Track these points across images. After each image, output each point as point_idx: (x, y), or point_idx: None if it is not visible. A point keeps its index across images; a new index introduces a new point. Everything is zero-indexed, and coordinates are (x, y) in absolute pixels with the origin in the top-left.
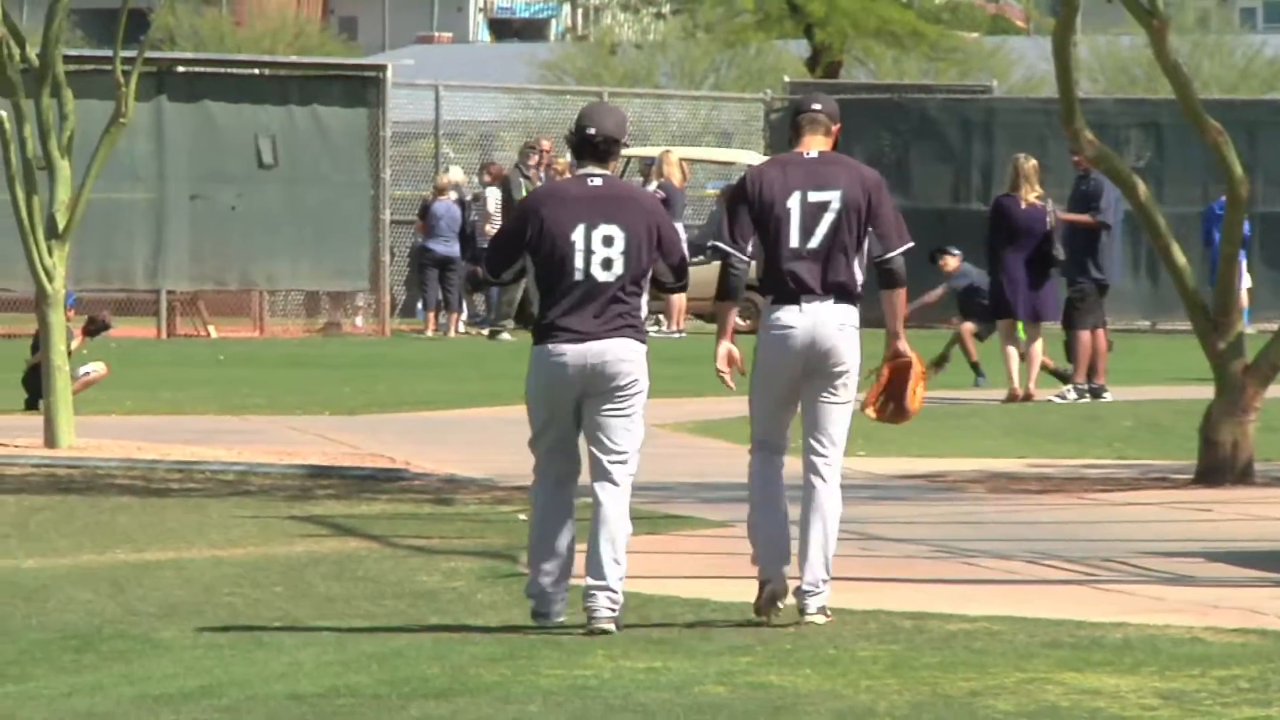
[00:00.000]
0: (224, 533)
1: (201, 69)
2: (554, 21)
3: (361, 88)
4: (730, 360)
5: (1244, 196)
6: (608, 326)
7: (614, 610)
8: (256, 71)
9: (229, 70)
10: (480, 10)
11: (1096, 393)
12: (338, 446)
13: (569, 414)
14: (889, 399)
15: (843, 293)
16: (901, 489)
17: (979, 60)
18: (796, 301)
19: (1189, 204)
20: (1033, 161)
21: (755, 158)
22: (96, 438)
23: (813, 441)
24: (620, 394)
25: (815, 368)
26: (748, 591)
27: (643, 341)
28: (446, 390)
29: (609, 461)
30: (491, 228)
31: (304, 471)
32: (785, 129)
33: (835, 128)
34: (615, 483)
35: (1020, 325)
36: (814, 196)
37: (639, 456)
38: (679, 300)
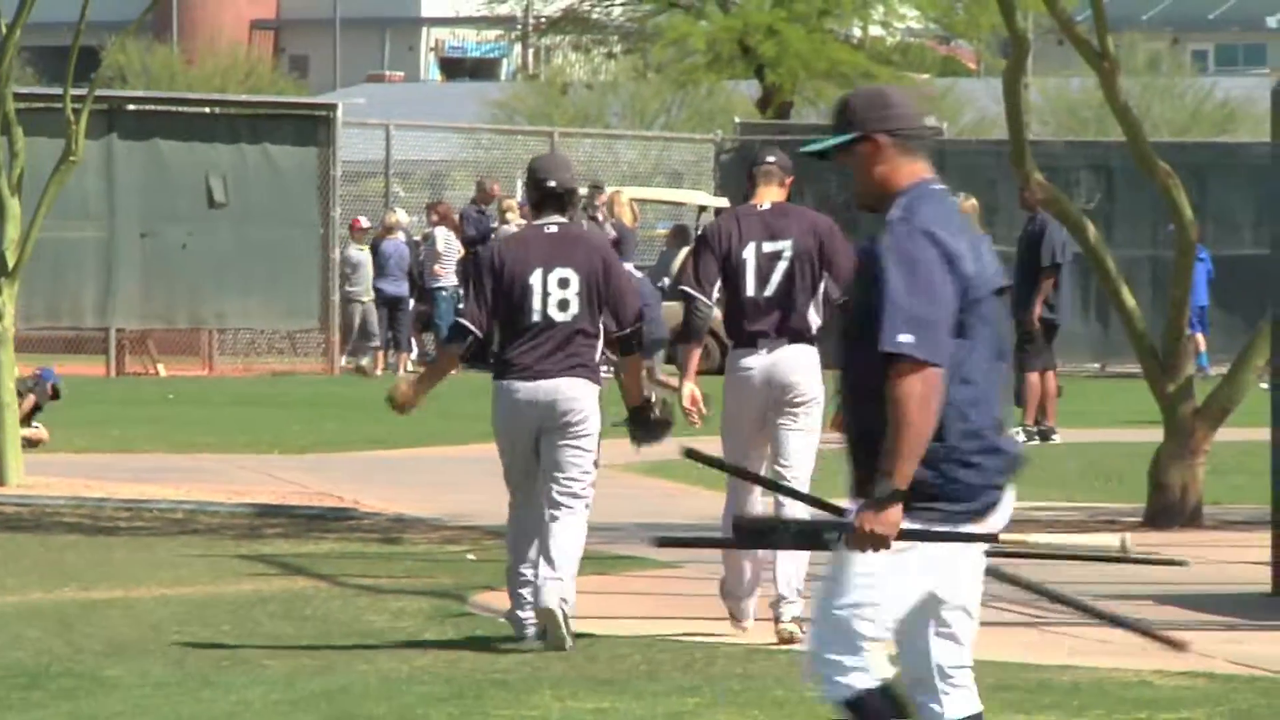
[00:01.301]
0: (172, 571)
1: (152, 107)
2: (505, 61)
3: (312, 127)
4: (694, 400)
5: (1194, 239)
6: (560, 366)
7: (565, 603)
8: (207, 110)
9: (180, 109)
10: (431, 50)
11: (1046, 435)
12: (286, 485)
13: (529, 448)
14: None
15: (798, 336)
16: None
17: (929, 102)
18: (755, 346)
19: (1139, 246)
20: (972, 201)
21: (705, 198)
22: (44, 475)
23: (778, 468)
24: (572, 430)
25: (776, 400)
26: (697, 629)
27: (595, 382)
28: (395, 429)
29: (558, 493)
30: (440, 268)
31: (252, 510)
32: (736, 169)
33: (788, 180)
34: (569, 507)
35: None
36: (768, 247)
37: (591, 491)
38: None
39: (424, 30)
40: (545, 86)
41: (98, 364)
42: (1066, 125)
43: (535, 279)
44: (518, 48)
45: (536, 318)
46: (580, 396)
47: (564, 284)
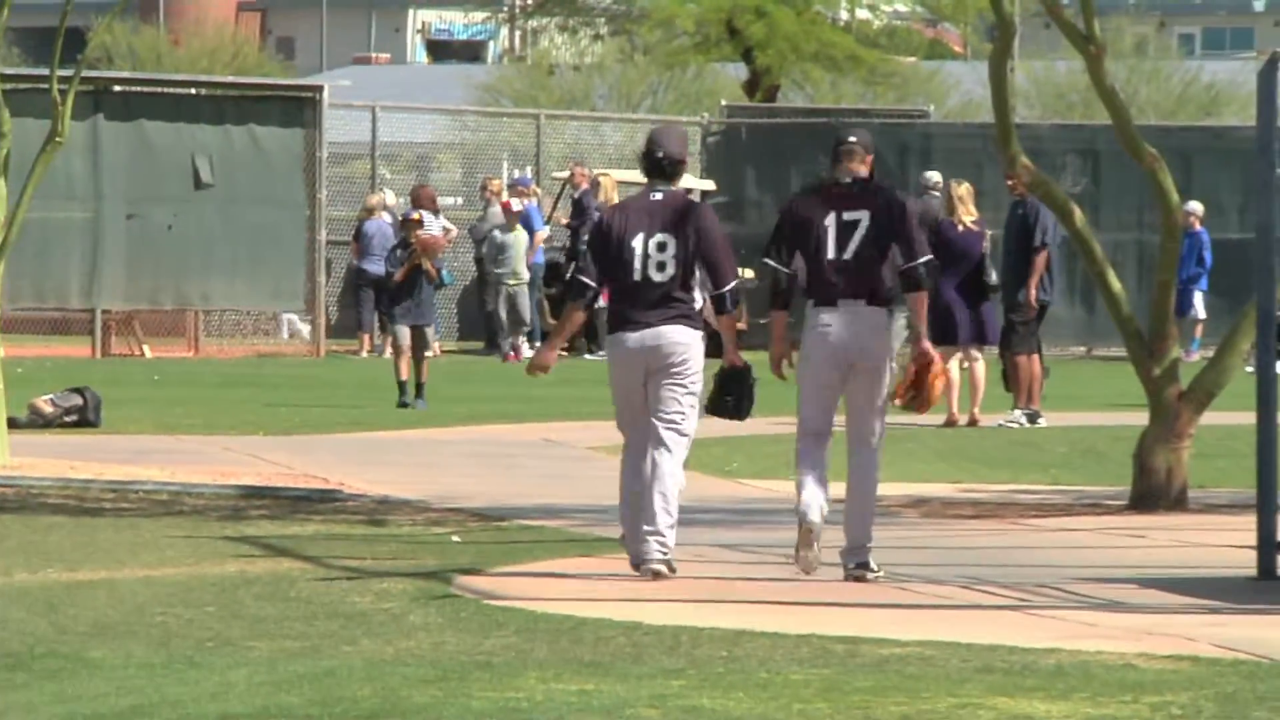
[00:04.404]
0: (157, 553)
1: (138, 88)
2: (491, 43)
3: (298, 108)
4: (781, 359)
5: (1180, 223)
6: (663, 316)
7: (665, 553)
8: (193, 91)
9: (166, 90)
10: (418, 32)
11: (1032, 418)
12: (272, 467)
13: (639, 391)
14: (912, 390)
15: (874, 296)
16: (834, 514)
17: (916, 85)
18: (835, 304)
19: (1125, 230)
20: (966, 185)
21: (692, 181)
22: (30, 456)
23: (857, 426)
24: (675, 371)
25: (850, 362)
26: (680, 614)
27: (696, 328)
28: (381, 411)
29: (663, 430)
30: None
31: (237, 492)
32: (722, 152)
33: (869, 157)
34: (669, 447)
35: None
36: (847, 215)
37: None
38: None
39: (410, 12)
40: (531, 69)
41: (83, 345)
42: (1053, 108)
43: (638, 243)
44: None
45: (637, 277)
46: (682, 340)
47: (662, 248)
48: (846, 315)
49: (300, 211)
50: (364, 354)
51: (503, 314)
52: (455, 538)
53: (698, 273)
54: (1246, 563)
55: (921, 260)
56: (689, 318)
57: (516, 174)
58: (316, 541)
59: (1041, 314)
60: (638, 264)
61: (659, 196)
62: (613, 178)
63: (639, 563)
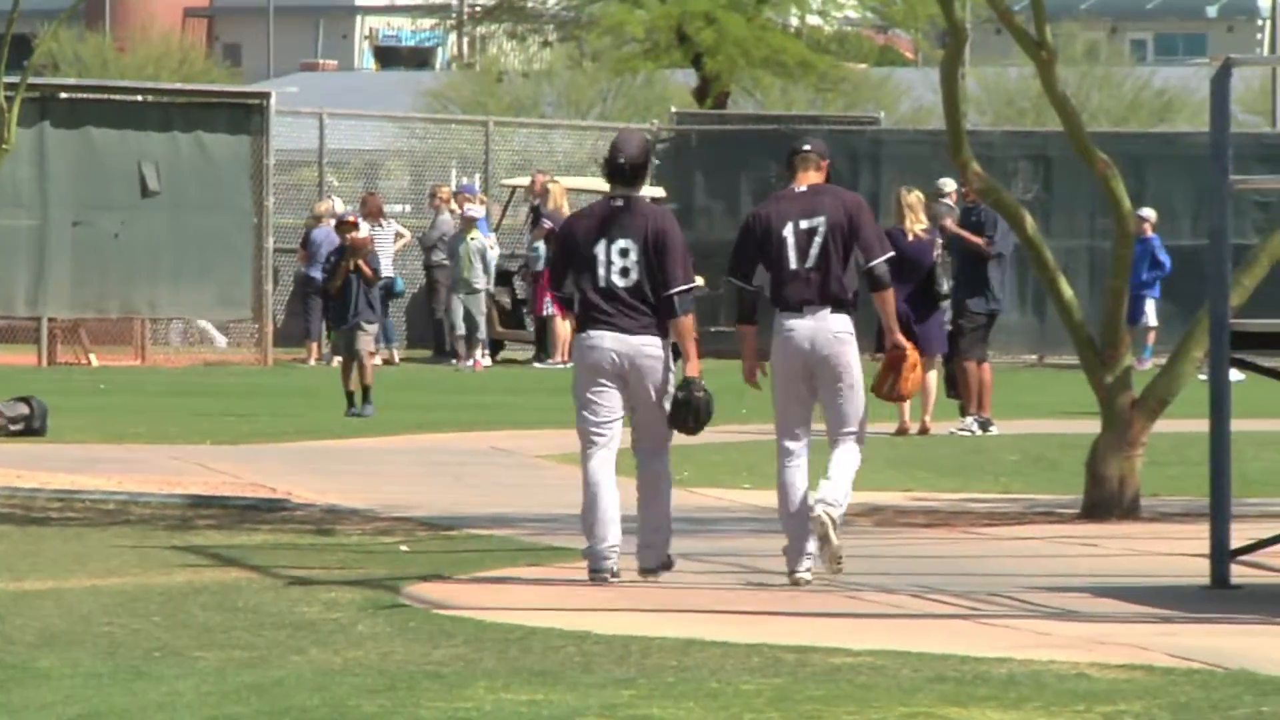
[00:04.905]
0: (103, 562)
1: (85, 95)
2: (440, 50)
3: (245, 115)
4: (753, 371)
5: (1132, 230)
6: (632, 324)
7: (659, 558)
8: (140, 98)
9: (112, 96)
10: (365, 38)
11: (983, 425)
12: (219, 476)
13: (608, 386)
14: (887, 382)
15: (837, 303)
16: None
17: (866, 91)
18: (801, 311)
19: (1077, 237)
20: (916, 193)
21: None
22: None
23: (837, 435)
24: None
25: (820, 363)
26: (630, 623)
27: (664, 336)
28: (329, 420)
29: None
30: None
31: (185, 501)
32: (672, 159)
33: (824, 163)
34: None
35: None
36: (804, 224)
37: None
38: (564, 331)
39: (358, 19)
40: (480, 76)
41: (29, 353)
42: (1004, 115)
43: (600, 249)
44: (453, 36)
45: (602, 284)
46: (651, 353)
47: (624, 253)
48: (811, 321)
49: (247, 219)
50: (311, 362)
51: (457, 322)
52: (404, 547)
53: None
54: (1200, 571)
55: (882, 258)
56: (657, 326)
57: (464, 181)
58: (264, 551)
59: (991, 321)
60: (601, 270)
61: (620, 203)
62: (561, 185)
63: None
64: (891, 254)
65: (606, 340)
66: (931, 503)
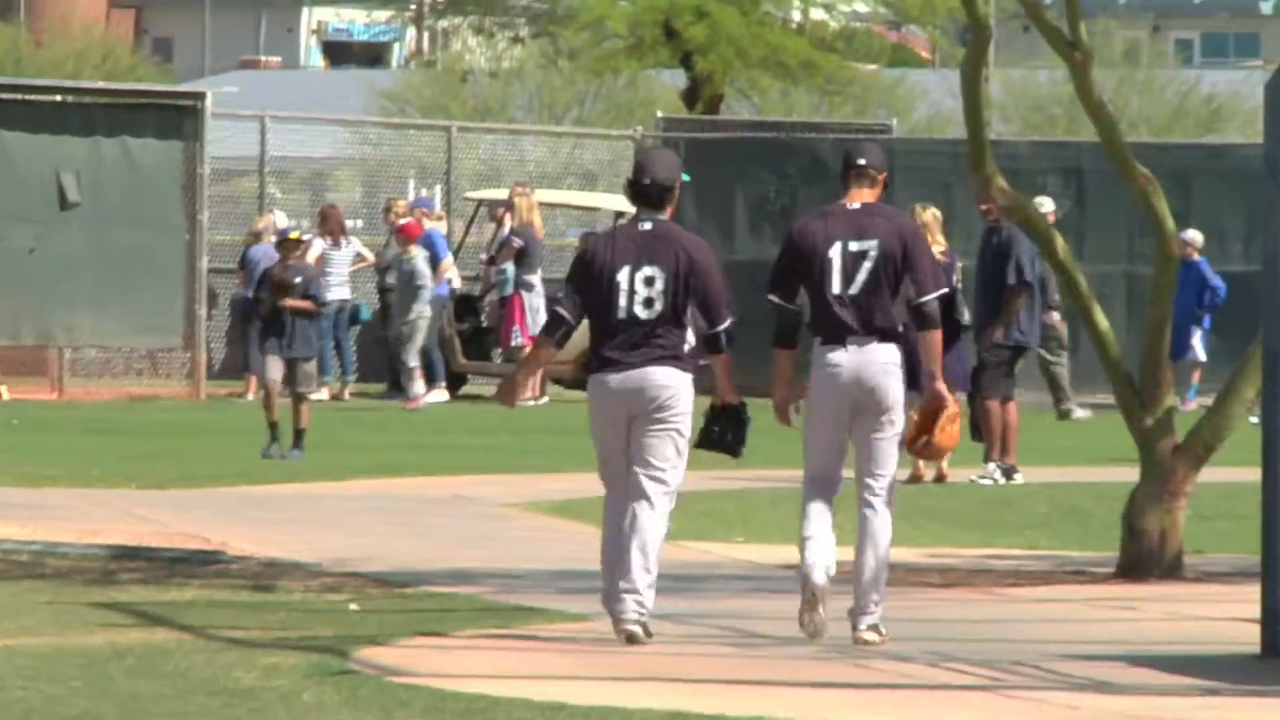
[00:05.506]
0: (16, 620)
1: None
2: (396, 46)
3: (177, 118)
4: (787, 402)
5: (1175, 254)
6: (648, 357)
7: (641, 613)
8: (59, 99)
9: (27, 97)
10: (313, 32)
11: (1007, 473)
12: (145, 524)
13: (621, 437)
14: (925, 436)
15: (885, 334)
16: (785, 580)
17: (877, 95)
18: (843, 342)
19: (1113, 261)
20: (933, 210)
21: (623, 202)
22: None
23: (867, 478)
24: (659, 417)
25: (862, 400)
26: (609, 693)
27: (686, 371)
28: (269, 462)
29: (645, 479)
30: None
31: (107, 552)
32: None
33: (881, 179)
34: (651, 499)
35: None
36: (854, 246)
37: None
38: None
39: (305, 10)
40: (442, 75)
41: None
42: (1032, 123)
43: (623, 277)
44: (411, 31)
45: (622, 315)
46: (668, 384)
47: (649, 282)
48: (856, 354)
49: (179, 235)
50: (250, 397)
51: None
52: (353, 606)
53: (689, 310)
54: (1249, 638)
55: (934, 295)
56: (677, 358)
57: (423, 194)
58: (196, 609)
59: (1017, 356)
60: (622, 300)
61: (648, 226)
62: (530, 198)
63: (614, 622)
64: (946, 290)
65: (614, 382)
66: (949, 560)
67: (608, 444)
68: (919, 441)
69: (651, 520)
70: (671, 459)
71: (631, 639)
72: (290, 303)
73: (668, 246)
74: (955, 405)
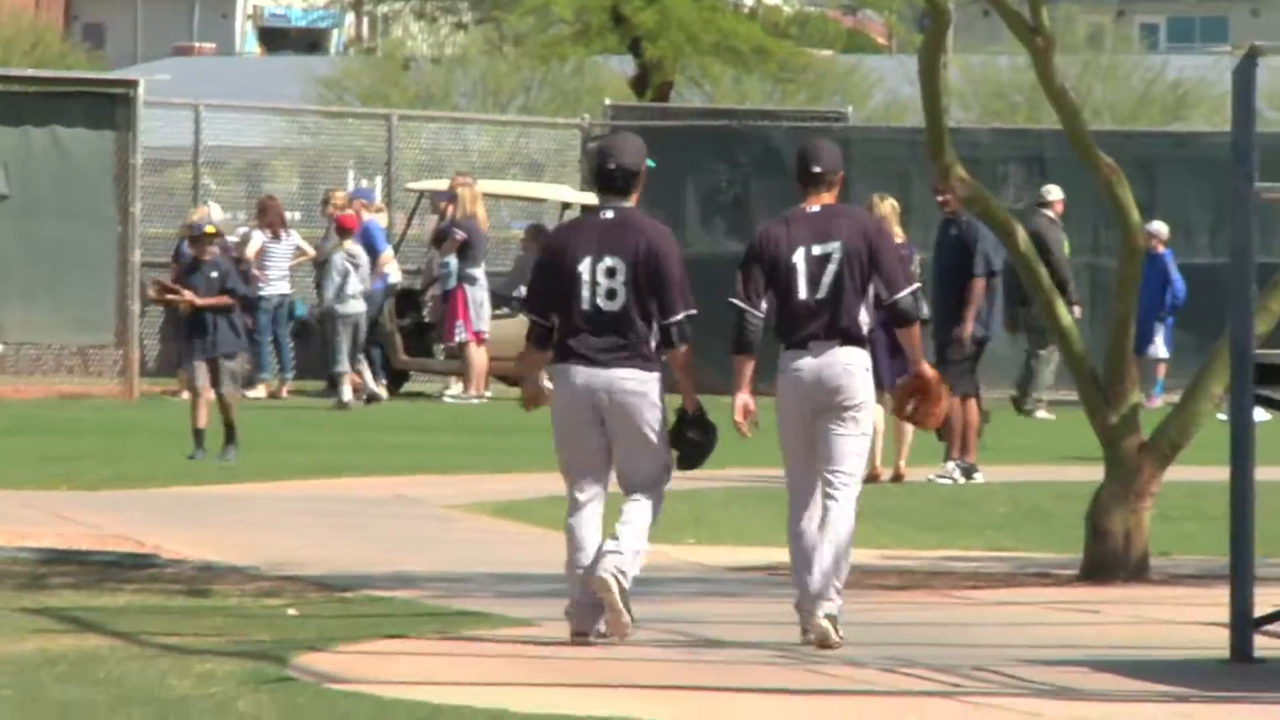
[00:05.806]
0: None
1: None
2: (335, 32)
3: (109, 107)
4: (746, 412)
5: (1140, 246)
6: (615, 356)
7: (621, 572)
8: None
9: None
10: (249, 18)
11: (967, 472)
12: (76, 527)
13: (588, 433)
14: (910, 402)
15: (848, 337)
16: (736, 583)
17: (832, 82)
18: (806, 347)
19: (1077, 253)
20: (890, 201)
21: (570, 194)
22: None
23: (828, 474)
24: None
25: (826, 402)
26: (554, 699)
27: (651, 370)
28: (203, 463)
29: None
30: (260, 271)
31: (36, 556)
32: None
33: (839, 176)
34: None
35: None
36: (817, 250)
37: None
38: (479, 361)
39: None
40: (382, 61)
41: None
42: (992, 110)
43: (584, 268)
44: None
45: (586, 306)
46: (635, 389)
47: (611, 273)
48: (820, 357)
49: (110, 227)
50: (184, 395)
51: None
52: (291, 611)
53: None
54: (1218, 643)
55: (908, 290)
56: (644, 356)
57: (363, 184)
58: (129, 614)
59: (979, 351)
60: (585, 292)
61: (609, 215)
62: (474, 189)
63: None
64: (918, 285)
65: (580, 376)
66: (907, 561)
67: (574, 439)
68: (907, 406)
69: (642, 513)
70: (652, 455)
71: (604, 586)
72: (188, 299)
73: (629, 235)
74: (940, 386)
